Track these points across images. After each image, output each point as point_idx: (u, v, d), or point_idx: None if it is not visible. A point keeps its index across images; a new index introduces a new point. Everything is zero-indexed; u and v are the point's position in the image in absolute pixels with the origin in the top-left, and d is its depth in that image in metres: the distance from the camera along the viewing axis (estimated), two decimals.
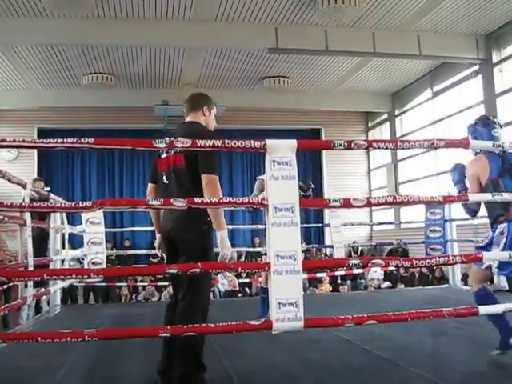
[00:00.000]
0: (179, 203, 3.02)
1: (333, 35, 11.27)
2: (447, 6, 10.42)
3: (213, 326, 3.08)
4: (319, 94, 15.61)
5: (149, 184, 3.90)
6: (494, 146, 3.70)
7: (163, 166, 3.64)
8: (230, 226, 14.48)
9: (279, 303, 3.01)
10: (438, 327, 5.11)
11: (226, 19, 10.88)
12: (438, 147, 3.50)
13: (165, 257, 3.82)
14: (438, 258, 3.42)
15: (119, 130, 15.24)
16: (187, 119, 3.80)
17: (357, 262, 3.25)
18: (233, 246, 13.06)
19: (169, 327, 3.04)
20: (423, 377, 3.62)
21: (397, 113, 16.40)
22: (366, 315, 3.24)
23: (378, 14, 10.77)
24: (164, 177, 3.63)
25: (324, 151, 16.52)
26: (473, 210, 4.33)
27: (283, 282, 3.03)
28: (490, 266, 4.12)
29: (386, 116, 16.93)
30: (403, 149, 3.33)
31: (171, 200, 3.07)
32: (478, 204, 4.22)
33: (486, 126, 4.55)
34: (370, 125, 17.75)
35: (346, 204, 3.25)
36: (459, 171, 4.50)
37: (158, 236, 3.88)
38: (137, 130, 15.22)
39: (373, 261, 3.25)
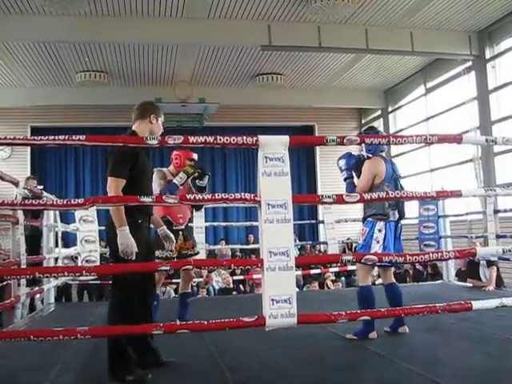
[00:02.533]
0: (171, 200, 3.01)
1: (326, 32, 11.25)
2: (440, 2, 10.42)
3: (206, 323, 3.07)
4: (312, 91, 15.60)
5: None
6: (487, 141, 3.70)
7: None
8: (224, 224, 14.64)
9: (272, 300, 3.01)
10: (433, 323, 5.13)
11: (219, 16, 10.84)
12: (432, 143, 3.50)
13: None
14: (431, 254, 3.43)
15: (113, 127, 15.18)
16: (133, 127, 4.12)
17: (350, 258, 3.25)
18: (227, 243, 13.11)
19: (161, 324, 3.03)
20: (418, 373, 3.62)
21: (390, 109, 16.41)
22: (359, 311, 3.24)
23: (371, 11, 10.76)
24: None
25: (317, 148, 16.52)
26: (352, 189, 4.87)
27: (276, 279, 3.02)
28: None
29: (379, 112, 16.94)
30: (396, 144, 3.33)
31: (164, 197, 3.07)
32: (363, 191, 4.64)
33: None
34: (363, 121, 17.75)
35: (339, 200, 3.25)
36: (348, 160, 4.98)
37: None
38: (130, 128, 15.19)
39: (366, 257, 3.25)
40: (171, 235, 4.56)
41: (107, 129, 15.01)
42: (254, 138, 3.08)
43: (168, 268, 3.07)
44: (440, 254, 3.39)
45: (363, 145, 4.94)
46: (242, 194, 3.10)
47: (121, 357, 3.56)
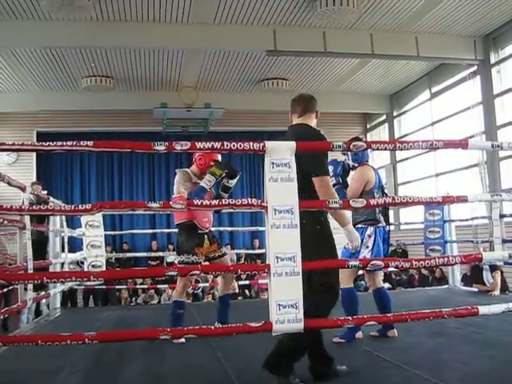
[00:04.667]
0: (178, 205, 3.02)
1: (331, 37, 11.27)
2: (445, 7, 10.43)
3: (213, 328, 3.08)
4: (318, 96, 15.15)
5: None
6: (492, 146, 3.70)
7: None
8: (230, 228, 14.65)
9: (279, 305, 3.01)
10: (438, 328, 5.13)
11: (225, 22, 10.88)
12: (437, 148, 3.51)
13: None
14: (437, 259, 3.43)
15: (118, 132, 15.22)
16: (296, 121, 3.87)
17: (356, 263, 3.26)
18: (232, 248, 13.12)
19: (169, 329, 3.04)
20: (424, 378, 3.62)
21: (395, 114, 16.41)
22: (365, 316, 3.25)
23: (376, 16, 10.79)
24: None
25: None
26: (342, 195, 4.90)
27: (283, 284, 3.03)
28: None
29: (384, 117, 16.94)
30: (402, 150, 3.34)
31: (170, 202, 3.09)
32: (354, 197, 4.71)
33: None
34: (368, 126, 17.76)
35: (346, 205, 3.26)
36: (336, 166, 5.12)
37: None
38: (136, 133, 15.28)
39: (372, 262, 3.26)
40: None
41: (113, 134, 15.06)
42: (261, 144, 3.10)
43: (175, 273, 3.07)
44: (446, 259, 3.39)
45: (349, 153, 5.09)
46: (249, 199, 3.11)
47: (292, 355, 3.51)
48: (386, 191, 5.28)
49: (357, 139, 5.13)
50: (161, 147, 3.07)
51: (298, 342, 3.43)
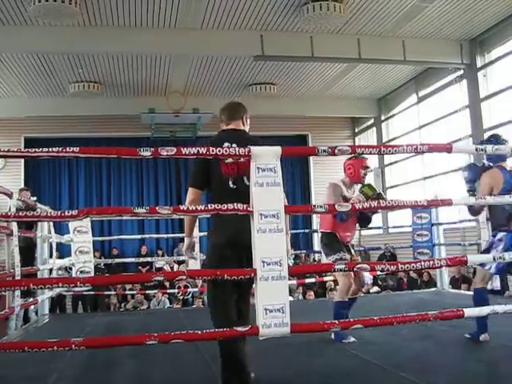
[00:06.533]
0: (165, 211, 3.03)
1: (318, 42, 11.32)
2: (431, 11, 10.50)
3: (200, 332, 3.09)
4: (306, 100, 15.66)
5: (194, 190, 3.63)
6: (476, 150, 3.74)
7: (229, 171, 3.56)
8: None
9: (266, 309, 3.03)
10: (426, 331, 5.16)
11: (212, 27, 10.91)
12: (422, 152, 3.54)
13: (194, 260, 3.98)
14: (423, 262, 3.45)
15: (107, 138, 15.21)
16: (230, 126, 3.82)
17: (342, 266, 3.28)
18: None
19: (156, 334, 3.04)
20: (411, 381, 3.64)
21: (383, 118, 16.48)
22: (351, 319, 3.26)
23: (363, 21, 10.84)
24: (230, 181, 3.56)
25: (311, 157, 16.55)
26: (475, 211, 4.91)
27: (269, 288, 3.05)
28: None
29: (372, 121, 16.99)
30: (387, 154, 3.36)
31: (157, 208, 3.09)
32: (483, 207, 4.76)
33: (498, 143, 4.74)
34: (356, 130, 17.82)
35: (331, 209, 3.28)
36: (472, 171, 4.91)
37: (190, 239, 3.87)
38: (124, 139, 15.25)
39: (358, 265, 3.28)
40: None
41: (102, 139, 15.06)
42: (247, 150, 3.12)
43: (162, 278, 3.07)
44: (431, 262, 3.42)
45: (485, 154, 4.76)
46: (235, 204, 3.13)
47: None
48: None
49: (493, 136, 5.01)
50: (146, 153, 3.08)
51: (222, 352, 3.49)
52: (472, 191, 4.94)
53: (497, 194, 4.60)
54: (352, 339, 4.93)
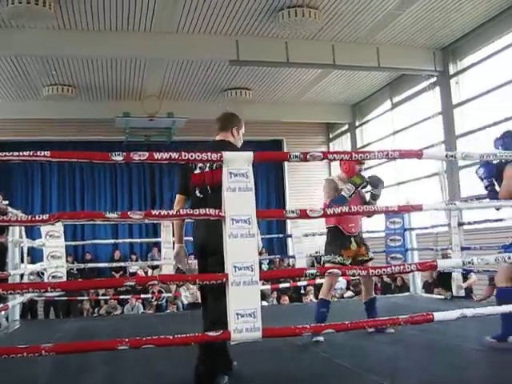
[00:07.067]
0: (136, 216, 3.02)
1: (293, 47, 11.39)
2: (405, 19, 10.64)
3: (171, 337, 3.08)
4: (281, 106, 15.71)
5: (178, 195, 4.01)
6: (446, 156, 3.79)
7: (197, 181, 3.81)
8: (190, 238, 14.56)
9: (237, 314, 3.03)
10: (398, 335, 5.20)
11: (187, 31, 10.90)
12: (393, 158, 3.58)
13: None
14: (393, 267, 3.50)
15: (81, 142, 15.10)
16: (217, 137, 4.09)
17: (313, 271, 3.30)
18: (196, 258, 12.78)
19: (127, 340, 3.03)
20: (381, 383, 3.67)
21: (357, 124, 16.60)
22: (323, 324, 3.28)
23: (338, 27, 10.94)
24: (197, 191, 3.81)
25: (286, 162, 16.59)
26: (493, 197, 4.77)
27: (241, 293, 3.05)
28: None
29: (346, 127, 17.12)
30: (358, 160, 3.40)
31: (129, 213, 3.08)
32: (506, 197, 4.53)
33: None
34: (331, 136, 17.94)
35: (303, 215, 3.29)
36: (488, 169, 4.87)
37: (178, 246, 4.10)
38: (98, 142, 15.13)
39: (329, 270, 3.30)
40: None
41: (76, 143, 14.96)
42: (219, 155, 3.12)
43: (133, 283, 3.06)
44: (402, 266, 3.46)
45: (499, 147, 4.82)
46: (207, 209, 3.13)
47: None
48: None
49: (509, 132, 5.02)
50: (119, 157, 3.07)
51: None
52: (490, 186, 4.91)
53: None
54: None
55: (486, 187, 4.92)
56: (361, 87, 14.92)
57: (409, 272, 3.69)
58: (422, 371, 4.01)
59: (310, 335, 4.99)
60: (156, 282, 3.07)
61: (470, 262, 3.64)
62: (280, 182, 17.48)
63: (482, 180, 4.96)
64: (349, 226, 5.56)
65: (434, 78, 12.65)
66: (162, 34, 10.84)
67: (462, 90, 12.19)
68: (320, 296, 5.63)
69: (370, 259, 5.73)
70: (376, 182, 5.62)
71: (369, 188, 5.71)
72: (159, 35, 10.86)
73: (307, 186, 16.95)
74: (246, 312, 3.02)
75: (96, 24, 10.38)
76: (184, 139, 15.46)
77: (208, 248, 3.64)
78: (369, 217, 6.27)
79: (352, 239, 5.57)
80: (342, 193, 5.35)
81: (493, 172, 4.87)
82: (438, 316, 3.51)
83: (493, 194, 4.89)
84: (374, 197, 5.68)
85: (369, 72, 13.33)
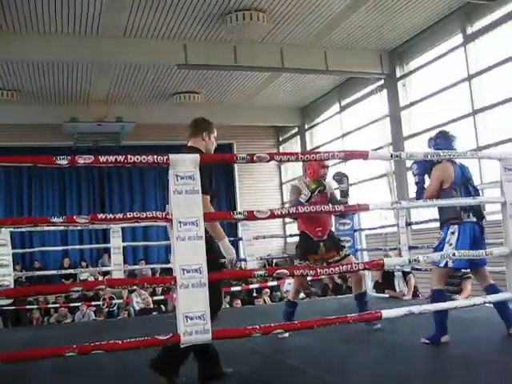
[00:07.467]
0: (82, 220, 2.99)
1: (242, 51, 11.39)
2: (352, 23, 10.76)
3: (120, 342, 3.05)
4: (230, 109, 15.68)
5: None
6: (391, 156, 3.86)
7: None
8: (142, 243, 14.47)
9: (186, 317, 3.03)
10: (350, 334, 5.26)
11: (135, 35, 10.79)
12: (339, 158, 3.62)
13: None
14: (341, 267, 3.54)
15: (28, 148, 14.76)
16: (189, 143, 4.13)
17: (262, 272, 3.32)
18: (147, 262, 12.84)
19: (75, 346, 2.98)
20: (335, 382, 3.70)
21: (307, 127, 16.71)
22: (273, 324, 3.30)
23: (286, 30, 10.99)
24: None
25: (236, 165, 16.58)
26: (420, 194, 4.94)
27: (190, 296, 3.05)
28: (446, 264, 4.55)
29: (296, 130, 17.23)
30: (305, 161, 3.43)
31: (74, 217, 3.05)
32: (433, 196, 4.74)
33: (446, 139, 4.95)
34: (281, 139, 18.04)
35: (250, 216, 3.31)
36: (421, 166, 5.03)
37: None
38: (46, 148, 14.79)
39: (278, 271, 3.32)
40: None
41: (23, 149, 14.62)
42: (165, 157, 3.12)
43: (80, 288, 3.02)
44: (349, 266, 3.51)
45: (432, 147, 4.96)
46: (154, 212, 3.12)
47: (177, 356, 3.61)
48: (474, 186, 4.98)
49: (445, 132, 5.13)
50: (63, 161, 3.03)
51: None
52: (420, 183, 5.09)
53: (448, 187, 4.75)
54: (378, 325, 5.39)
55: (416, 183, 5.08)
56: (309, 90, 15.03)
57: (356, 271, 3.75)
58: (374, 368, 4.07)
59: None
60: (104, 287, 3.03)
61: (415, 260, 3.72)
62: (231, 184, 17.48)
63: (414, 176, 5.14)
64: (315, 230, 5.70)
65: (382, 81, 12.83)
66: (109, 37, 10.69)
67: (409, 92, 12.39)
68: (288, 298, 6.16)
69: (345, 256, 5.74)
70: (339, 178, 5.75)
71: (336, 185, 5.85)
72: (106, 39, 10.70)
73: (258, 190, 17.04)
74: (195, 314, 3.02)
75: (41, 27, 10.15)
76: (133, 144, 15.35)
77: None
78: (342, 217, 6.47)
79: (321, 244, 5.69)
80: (300, 198, 5.54)
81: (425, 169, 5.04)
82: (385, 313, 3.58)
83: (420, 191, 5.05)
84: (343, 193, 5.77)
85: (317, 75, 13.44)
